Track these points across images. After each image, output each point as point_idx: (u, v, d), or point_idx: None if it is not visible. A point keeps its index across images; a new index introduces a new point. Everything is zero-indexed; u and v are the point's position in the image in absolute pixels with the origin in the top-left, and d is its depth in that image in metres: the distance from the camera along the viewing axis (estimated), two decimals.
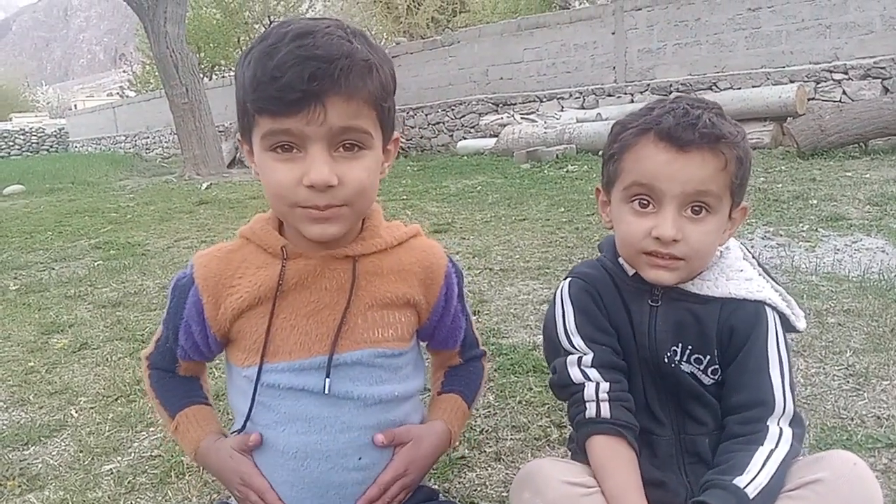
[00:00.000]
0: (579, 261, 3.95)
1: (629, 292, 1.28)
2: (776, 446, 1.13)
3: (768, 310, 1.23)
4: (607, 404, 1.23)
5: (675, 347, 1.24)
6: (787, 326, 1.25)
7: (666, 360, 1.24)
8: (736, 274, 1.25)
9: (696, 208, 1.17)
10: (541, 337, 1.44)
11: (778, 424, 1.16)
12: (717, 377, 1.24)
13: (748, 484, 1.08)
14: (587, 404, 1.24)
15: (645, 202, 1.18)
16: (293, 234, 1.17)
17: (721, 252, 1.28)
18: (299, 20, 1.07)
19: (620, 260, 1.30)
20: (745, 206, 1.27)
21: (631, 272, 1.29)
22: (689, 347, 1.23)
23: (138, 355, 1.41)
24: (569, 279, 1.34)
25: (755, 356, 1.20)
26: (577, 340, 1.28)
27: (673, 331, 1.24)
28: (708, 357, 1.23)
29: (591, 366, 1.25)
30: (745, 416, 1.18)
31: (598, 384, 1.24)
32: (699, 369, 1.24)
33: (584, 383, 1.25)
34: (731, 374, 1.22)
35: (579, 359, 1.27)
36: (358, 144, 1.07)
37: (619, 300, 1.29)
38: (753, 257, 1.31)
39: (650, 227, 1.17)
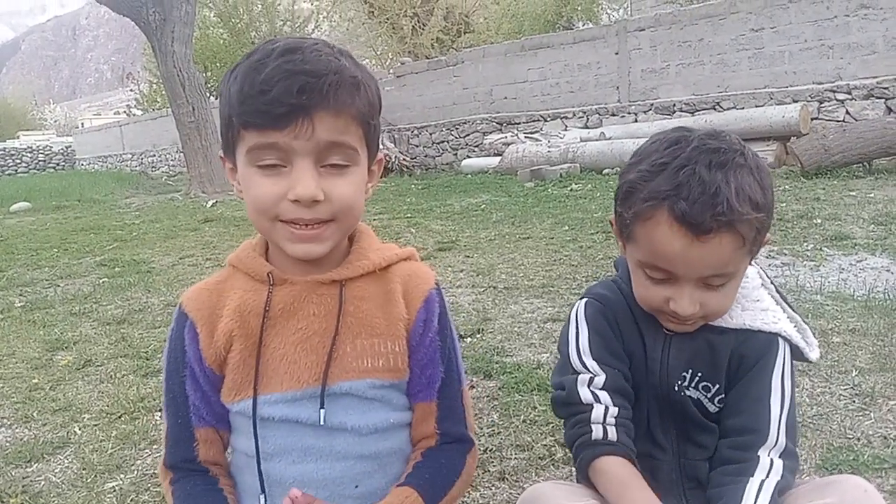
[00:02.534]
0: (584, 279, 4.00)
1: (644, 319, 1.26)
2: (767, 476, 1.12)
3: (780, 341, 1.21)
4: (614, 429, 1.21)
5: (685, 374, 1.22)
6: (799, 356, 1.23)
7: (676, 388, 1.23)
8: (752, 304, 1.23)
9: (716, 280, 1.13)
10: (546, 355, 1.43)
11: (769, 455, 1.14)
12: (721, 406, 1.22)
13: None
14: (593, 426, 1.22)
15: (661, 277, 1.14)
16: (280, 258, 1.15)
17: None
18: (287, 38, 1.07)
19: None
20: (768, 238, 1.21)
21: None
22: (699, 375, 1.22)
23: (156, 473, 1.23)
24: (585, 300, 1.31)
25: (758, 383, 1.19)
26: (590, 362, 1.25)
27: (686, 359, 1.23)
28: (717, 386, 1.22)
29: (602, 388, 1.23)
30: (736, 442, 1.17)
31: (607, 408, 1.22)
32: (706, 397, 1.22)
33: (592, 405, 1.23)
34: (731, 398, 1.21)
35: (590, 379, 1.25)
36: (344, 161, 1.06)
37: (634, 326, 1.27)
38: (771, 282, 1.29)
39: (667, 297, 1.15)
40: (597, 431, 1.21)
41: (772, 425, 1.16)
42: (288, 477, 1.13)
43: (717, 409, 1.22)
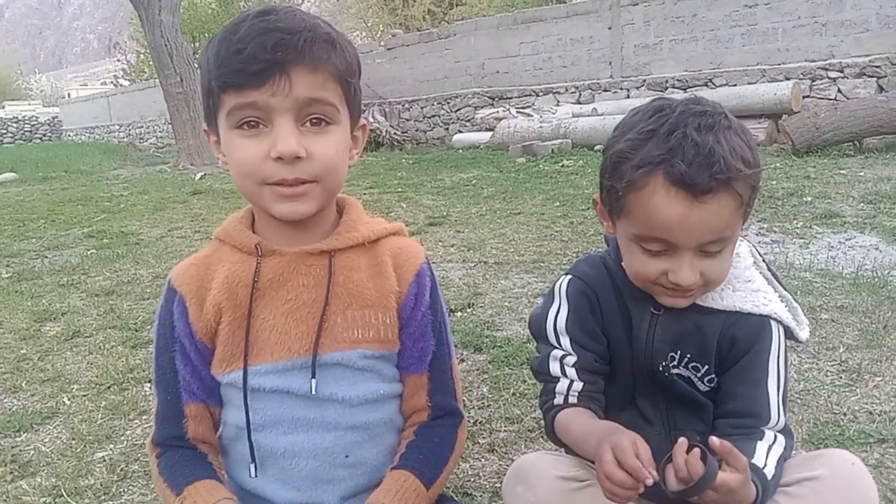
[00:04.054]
0: (574, 255, 4.00)
1: (632, 296, 1.24)
2: (774, 442, 1.14)
3: (773, 323, 1.20)
4: (576, 397, 1.24)
5: (672, 354, 1.22)
6: (789, 335, 1.23)
7: (661, 368, 1.22)
8: (743, 285, 1.21)
9: (714, 247, 1.11)
10: None
11: (771, 431, 1.16)
12: (713, 385, 1.22)
13: (763, 467, 1.08)
14: (557, 395, 1.26)
15: (658, 248, 1.12)
16: (267, 230, 1.15)
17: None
18: (271, 7, 1.07)
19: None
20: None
21: None
22: (688, 356, 1.21)
23: (145, 443, 1.21)
24: (569, 276, 1.31)
25: (755, 368, 1.18)
26: (565, 341, 1.27)
27: (672, 340, 1.21)
28: (706, 367, 1.21)
29: (572, 366, 1.26)
30: (737, 422, 1.18)
31: (571, 381, 1.25)
32: (696, 376, 1.22)
33: (559, 378, 1.26)
34: (727, 383, 1.20)
35: (563, 357, 1.26)
36: (325, 119, 1.06)
37: (617, 306, 1.26)
38: (764, 262, 1.28)
39: (665, 269, 1.12)
40: (559, 399, 1.25)
41: (771, 409, 1.17)
42: (279, 447, 1.14)
43: (707, 388, 1.22)
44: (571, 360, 1.26)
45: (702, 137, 1.04)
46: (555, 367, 1.27)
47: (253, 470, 1.15)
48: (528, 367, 1.46)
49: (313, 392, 1.12)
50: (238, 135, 1.05)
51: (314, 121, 1.05)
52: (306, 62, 1.01)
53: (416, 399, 1.23)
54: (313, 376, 1.12)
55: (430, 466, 1.17)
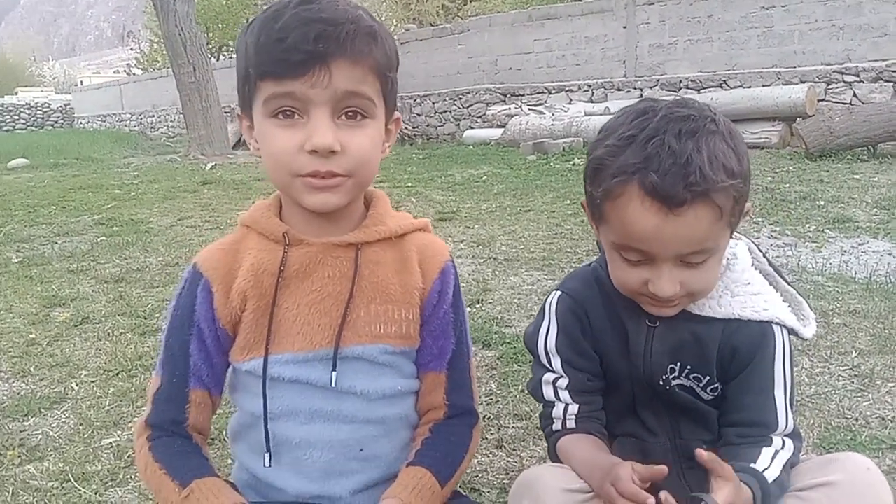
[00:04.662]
0: (584, 253, 3.99)
1: (626, 309, 1.20)
2: (781, 449, 1.12)
3: (775, 328, 1.16)
4: (574, 421, 1.23)
5: (672, 366, 1.19)
6: (793, 334, 1.19)
7: (661, 381, 1.19)
8: (742, 289, 1.17)
9: (695, 258, 1.06)
10: None
11: (780, 437, 1.14)
12: (716, 394, 1.19)
13: (764, 471, 1.07)
14: (555, 420, 1.25)
15: (636, 258, 1.08)
16: (295, 219, 1.14)
17: (728, 261, 1.19)
18: None
19: None
20: (748, 208, 1.15)
21: None
22: (689, 367, 1.19)
23: (131, 433, 1.16)
24: (559, 293, 1.27)
25: (760, 376, 1.15)
26: (556, 362, 1.25)
27: (670, 352, 1.18)
28: (707, 377, 1.18)
29: (565, 389, 1.24)
30: (744, 431, 1.16)
31: (567, 405, 1.24)
32: (698, 386, 1.19)
33: (554, 402, 1.25)
34: (732, 392, 1.17)
35: (555, 380, 1.25)
36: (361, 112, 1.04)
37: (609, 321, 1.22)
38: (764, 257, 1.24)
39: (645, 279, 1.08)
40: (557, 425, 1.25)
41: (779, 416, 1.15)
42: (294, 437, 1.13)
43: (711, 397, 1.20)
44: (564, 382, 1.24)
45: (681, 145, 0.99)
46: (548, 392, 1.26)
47: (268, 459, 1.14)
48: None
49: (333, 385, 1.11)
50: (273, 124, 1.04)
51: (350, 114, 1.04)
52: (347, 55, 1.00)
53: (433, 397, 1.22)
54: (334, 369, 1.11)
55: (445, 465, 1.16)
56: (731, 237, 1.12)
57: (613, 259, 1.13)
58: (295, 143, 1.02)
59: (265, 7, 1.09)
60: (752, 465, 1.07)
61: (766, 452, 1.11)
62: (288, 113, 1.02)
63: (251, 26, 1.04)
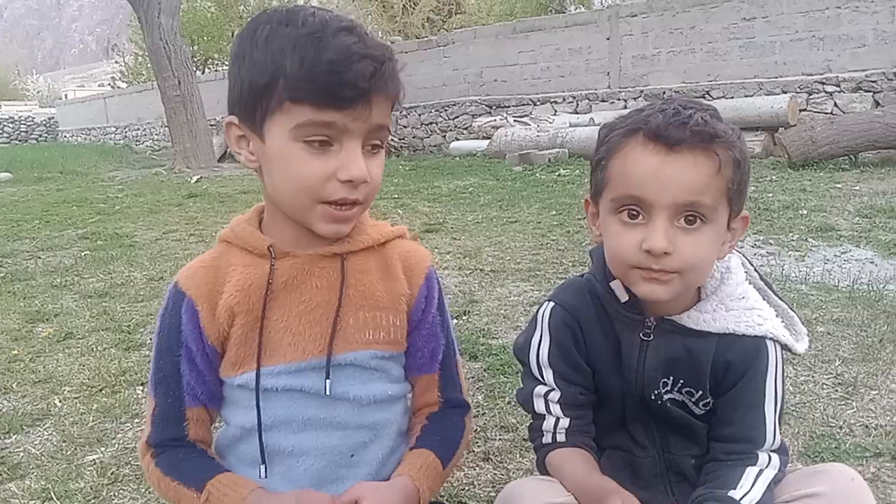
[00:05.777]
0: (570, 264, 4.00)
1: (621, 322, 1.21)
2: (766, 467, 1.12)
3: (769, 343, 1.16)
4: (564, 434, 1.24)
5: (665, 380, 1.19)
6: (785, 348, 1.19)
7: (653, 396, 1.19)
8: (736, 303, 1.17)
9: (690, 218, 1.06)
10: None
11: (766, 453, 1.14)
12: (707, 408, 1.19)
13: (743, 497, 1.07)
14: (544, 433, 1.25)
15: (634, 213, 1.09)
16: (278, 232, 1.14)
17: (722, 275, 1.19)
18: (313, 8, 1.07)
19: (613, 284, 1.21)
20: (746, 216, 1.17)
21: (624, 298, 1.20)
22: (681, 381, 1.19)
23: (136, 454, 1.17)
24: (552, 304, 1.27)
25: (752, 392, 1.15)
26: (548, 374, 1.25)
27: (663, 367, 1.18)
28: (700, 392, 1.18)
29: (557, 402, 1.24)
30: (732, 447, 1.16)
31: (557, 419, 1.24)
32: (691, 401, 1.19)
33: (544, 415, 1.25)
34: (723, 407, 1.18)
35: (546, 393, 1.25)
36: (380, 143, 1.08)
37: (602, 334, 1.22)
38: (756, 272, 1.25)
39: (640, 240, 1.07)
40: (547, 437, 1.25)
41: (767, 430, 1.15)
42: (286, 446, 1.14)
43: (703, 412, 1.20)
44: (556, 395, 1.24)
45: (685, 109, 1.07)
46: (539, 405, 1.26)
47: (263, 471, 1.14)
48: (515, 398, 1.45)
49: (327, 392, 1.12)
50: (303, 149, 1.02)
51: (376, 144, 1.08)
52: (386, 91, 1.03)
53: (428, 395, 1.27)
54: (328, 377, 1.13)
55: (445, 448, 1.21)
56: (729, 215, 1.11)
57: (611, 224, 1.13)
58: (326, 171, 1.03)
59: (267, 10, 1.07)
60: (729, 495, 1.07)
61: (750, 473, 1.11)
62: (323, 141, 1.02)
63: (278, 41, 1.00)
